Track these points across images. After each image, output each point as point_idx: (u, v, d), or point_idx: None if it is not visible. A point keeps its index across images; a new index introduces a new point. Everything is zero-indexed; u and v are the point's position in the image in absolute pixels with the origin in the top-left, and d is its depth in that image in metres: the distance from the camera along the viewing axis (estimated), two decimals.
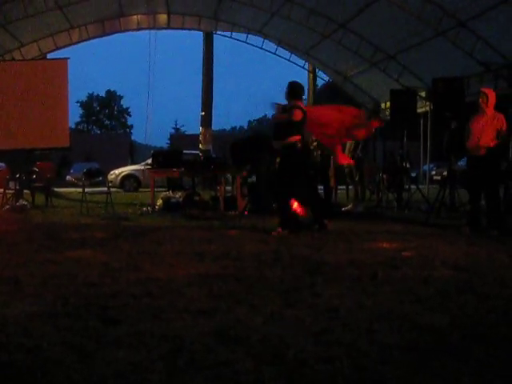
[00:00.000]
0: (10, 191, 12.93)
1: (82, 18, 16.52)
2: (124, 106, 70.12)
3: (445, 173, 11.98)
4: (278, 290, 4.43)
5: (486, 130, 7.89)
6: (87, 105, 67.66)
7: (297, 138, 7.93)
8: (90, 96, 68.51)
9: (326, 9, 14.39)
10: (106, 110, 68.92)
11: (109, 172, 23.67)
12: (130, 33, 18.70)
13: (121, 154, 39.15)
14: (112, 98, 69.35)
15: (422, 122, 15.54)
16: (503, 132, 7.80)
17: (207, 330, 3.40)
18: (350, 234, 7.84)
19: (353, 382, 2.68)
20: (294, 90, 8.24)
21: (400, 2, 12.03)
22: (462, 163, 13.21)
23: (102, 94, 69.23)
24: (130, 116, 70.13)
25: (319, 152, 12.18)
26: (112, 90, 70.15)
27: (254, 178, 11.93)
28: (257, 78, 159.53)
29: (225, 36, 18.87)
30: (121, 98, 70.12)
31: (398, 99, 11.87)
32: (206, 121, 23.04)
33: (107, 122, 69.16)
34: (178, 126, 70.20)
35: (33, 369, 2.81)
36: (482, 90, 8.38)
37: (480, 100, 8.01)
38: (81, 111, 66.94)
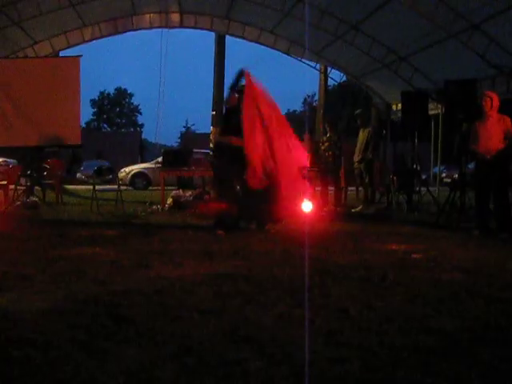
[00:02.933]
0: (21, 188, 12.99)
1: (94, 15, 16.54)
2: (135, 104, 70.35)
3: (455, 175, 11.93)
4: (287, 289, 4.43)
5: (493, 132, 7.92)
6: (98, 103, 67.85)
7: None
8: (102, 94, 68.72)
9: (338, 10, 14.37)
10: (116, 109, 69.11)
11: (119, 170, 23.78)
12: (142, 31, 18.75)
13: (131, 153, 39.23)
14: (122, 95, 69.52)
15: (433, 124, 15.49)
16: (510, 134, 7.80)
17: (216, 329, 3.40)
18: (359, 235, 7.83)
19: (363, 382, 2.68)
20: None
21: (412, 3, 11.99)
22: (472, 166, 13.12)
23: (113, 91, 69.52)
24: (141, 114, 70.36)
25: (330, 153, 12.19)
26: (121, 87, 70.44)
27: None
28: (268, 77, 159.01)
29: (236, 36, 18.85)
30: (131, 95, 70.33)
31: (410, 101, 11.82)
32: (217, 120, 23.02)
33: (118, 120, 69.36)
34: (188, 125, 70.38)
35: (42, 365, 2.83)
36: (487, 92, 8.40)
37: (484, 103, 8.03)
38: (92, 110, 67.21)
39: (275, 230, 8.08)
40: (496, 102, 8.03)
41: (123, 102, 69.74)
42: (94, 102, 67.15)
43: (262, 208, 8.06)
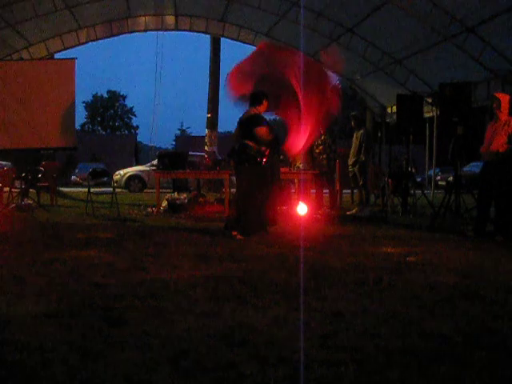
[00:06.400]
0: (16, 190, 12.96)
1: (90, 18, 16.53)
2: (128, 106, 70.15)
3: (450, 178, 11.95)
4: (282, 292, 4.43)
5: (497, 135, 7.83)
6: (92, 105, 67.65)
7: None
8: (95, 96, 68.51)
9: (333, 13, 14.39)
10: (111, 111, 68.93)
11: (114, 172, 23.76)
12: (137, 33, 18.73)
13: (126, 155, 39.21)
14: (115, 98, 69.29)
15: (428, 126, 15.52)
16: None
17: (212, 332, 3.40)
18: (354, 239, 7.83)
19: None
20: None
21: (407, 7, 12.03)
22: (467, 169, 13.22)
23: (105, 94, 69.29)
24: (135, 116, 70.18)
25: (325, 156, 12.20)
26: (114, 90, 70.25)
27: None
28: None
29: (232, 39, 18.87)
30: (124, 97, 70.06)
31: (405, 104, 11.84)
32: (212, 123, 23.00)
33: (111, 122, 69.14)
34: (183, 128, 70.36)
35: (37, 368, 2.82)
36: (495, 94, 8.30)
37: (494, 105, 7.96)
38: (85, 112, 67.00)
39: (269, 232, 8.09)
40: (504, 104, 7.88)
41: (116, 105, 69.54)
42: (87, 105, 66.97)
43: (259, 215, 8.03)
